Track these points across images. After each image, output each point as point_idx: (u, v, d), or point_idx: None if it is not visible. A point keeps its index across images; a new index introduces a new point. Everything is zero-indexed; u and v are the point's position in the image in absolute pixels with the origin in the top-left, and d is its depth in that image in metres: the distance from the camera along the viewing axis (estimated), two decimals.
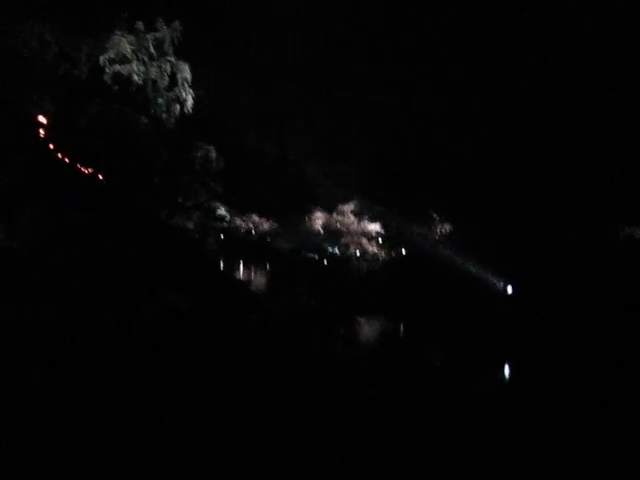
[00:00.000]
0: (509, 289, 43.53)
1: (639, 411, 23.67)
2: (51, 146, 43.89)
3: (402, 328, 43.84)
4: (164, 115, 45.83)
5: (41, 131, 44.05)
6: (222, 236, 53.39)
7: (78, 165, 44.38)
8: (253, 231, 59.21)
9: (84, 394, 17.52)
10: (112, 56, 44.17)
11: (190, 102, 46.09)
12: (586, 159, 45.73)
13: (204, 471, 15.41)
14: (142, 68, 44.86)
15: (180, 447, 16.20)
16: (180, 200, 47.50)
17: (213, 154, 47.84)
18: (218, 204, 50.35)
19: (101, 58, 44.31)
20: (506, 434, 21.23)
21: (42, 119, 44.04)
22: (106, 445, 15.33)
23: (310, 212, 56.70)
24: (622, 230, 43.69)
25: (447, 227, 51.67)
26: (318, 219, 55.89)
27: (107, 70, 44.19)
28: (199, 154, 47.64)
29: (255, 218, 58.75)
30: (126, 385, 18.62)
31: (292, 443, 17.72)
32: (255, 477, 15.57)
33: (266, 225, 59.00)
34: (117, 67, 44.14)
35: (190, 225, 47.74)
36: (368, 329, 42.43)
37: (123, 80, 44.27)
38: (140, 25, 45.38)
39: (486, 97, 52.08)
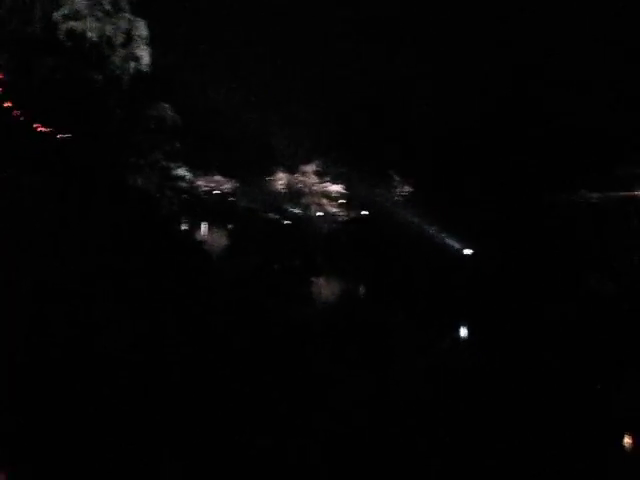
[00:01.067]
0: (466, 251, 44.79)
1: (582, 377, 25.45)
2: (4, 104, 43.68)
3: (360, 289, 45.60)
4: (118, 72, 45.78)
5: None
6: (183, 196, 53.44)
7: (32, 124, 44.05)
8: (215, 191, 60.00)
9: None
10: (66, 12, 44.12)
11: (146, 60, 45.98)
12: (548, 127, 46.56)
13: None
14: (97, 24, 44.72)
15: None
16: (134, 159, 47.36)
17: (169, 112, 47.82)
18: (177, 164, 50.68)
19: (55, 14, 44.20)
20: (461, 396, 22.55)
21: None
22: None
23: (273, 172, 57.50)
24: (580, 195, 44.82)
25: (407, 189, 52.53)
26: (280, 179, 56.80)
27: (60, 26, 44.15)
28: (154, 112, 47.61)
29: (217, 178, 58.83)
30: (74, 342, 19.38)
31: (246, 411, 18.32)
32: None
33: (228, 185, 59.06)
34: (71, 23, 44.08)
35: (146, 185, 47.63)
36: (326, 290, 43.33)
37: (77, 37, 44.21)
38: None
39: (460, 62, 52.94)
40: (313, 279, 42.65)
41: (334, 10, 55.69)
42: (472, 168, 48.11)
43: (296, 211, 55.66)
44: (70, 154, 41.53)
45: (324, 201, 54.50)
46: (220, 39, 51.22)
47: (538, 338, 30.28)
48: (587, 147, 44.49)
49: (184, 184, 52.67)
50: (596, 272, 39.05)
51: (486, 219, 44.50)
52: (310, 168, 55.73)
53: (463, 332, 35.71)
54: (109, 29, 45.40)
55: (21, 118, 43.53)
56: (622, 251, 40.15)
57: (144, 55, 46.20)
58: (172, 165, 50.31)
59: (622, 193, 43.14)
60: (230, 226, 54.79)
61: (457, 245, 45.57)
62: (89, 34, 44.53)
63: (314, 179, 55.46)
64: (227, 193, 59.01)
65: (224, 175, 58.10)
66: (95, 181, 38.94)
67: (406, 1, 54.14)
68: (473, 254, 44.82)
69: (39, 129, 44.20)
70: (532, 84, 49.00)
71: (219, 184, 58.58)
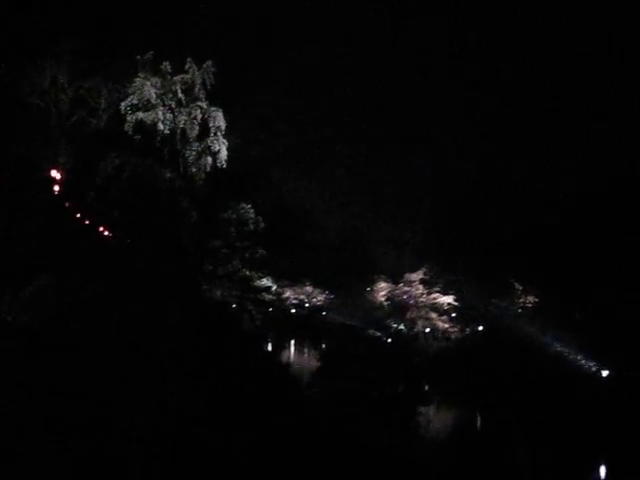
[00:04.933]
0: (604, 372, 43.28)
1: None
2: (66, 204, 45.91)
3: (478, 419, 44.87)
4: (193, 169, 47.28)
5: (55, 188, 46.27)
6: (269, 310, 53.99)
7: (96, 226, 46.00)
8: (306, 304, 61.67)
9: None
10: (134, 102, 45.89)
11: (224, 154, 47.05)
12: None
13: None
14: (169, 115, 46.46)
15: None
16: (211, 267, 48.35)
17: (251, 214, 48.56)
18: (260, 273, 51.01)
19: (122, 104, 46.11)
20: None
21: (56, 174, 46.39)
22: None
23: (372, 281, 58.43)
24: None
25: (531, 298, 52.43)
26: (381, 290, 57.68)
27: (129, 118, 45.79)
28: (234, 215, 48.45)
29: (308, 289, 61.45)
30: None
31: None
32: None
33: (321, 297, 61.80)
34: (140, 114, 45.72)
35: (225, 297, 48.56)
36: (438, 421, 42.73)
37: (146, 129, 45.93)
38: (167, 66, 47.00)
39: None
40: (421, 409, 40.09)
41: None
42: (609, 272, 47.73)
43: (400, 327, 55.92)
44: (137, 262, 42.21)
45: (433, 315, 54.81)
46: (304, 128, 52.69)
47: None
48: None
49: (269, 296, 53.24)
50: None
51: (629, 335, 43.32)
52: (416, 276, 56.25)
53: (602, 473, 34.60)
54: (182, 120, 47.13)
55: (83, 221, 45.46)
56: None
57: (222, 149, 47.41)
58: (255, 275, 50.81)
59: None
60: (322, 345, 54.82)
61: (593, 366, 44.64)
62: (160, 126, 46.15)
63: (421, 289, 55.99)
64: (319, 307, 61.20)
65: (315, 286, 60.36)
66: (166, 293, 39.18)
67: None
68: (612, 376, 43.36)
69: (103, 233, 46.08)
70: None
71: (310, 296, 61.01)
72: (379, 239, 56.95)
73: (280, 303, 57.15)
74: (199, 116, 47.72)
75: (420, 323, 55.18)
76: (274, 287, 54.10)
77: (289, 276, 57.53)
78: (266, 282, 52.60)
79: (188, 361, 31.33)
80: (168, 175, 46.87)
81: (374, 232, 56.72)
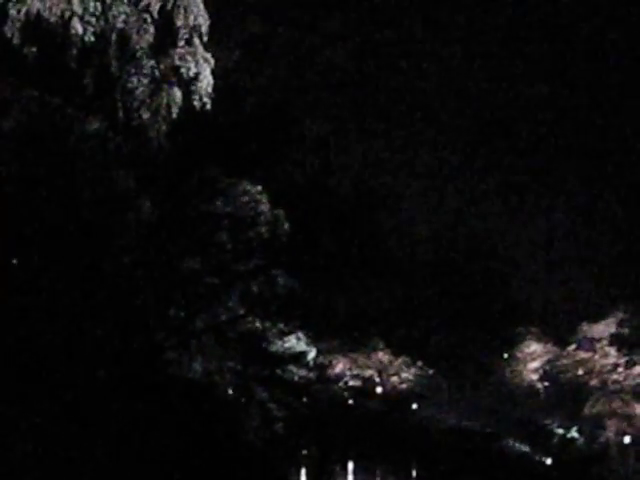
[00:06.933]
0: None
1: None
2: None
3: None
4: (145, 115, 40.72)
5: None
6: (301, 401, 47.09)
7: None
8: (377, 387, 53.77)
9: None
10: None
11: (207, 82, 40.69)
12: None
13: None
14: (94, 4, 39.58)
15: None
16: (182, 314, 40.50)
17: (263, 205, 41.86)
18: (283, 324, 43.17)
19: None
20: None
21: None
22: None
23: (515, 341, 51.45)
24: None
25: None
26: (533, 358, 50.34)
27: (12, 12, 39.65)
28: (229, 207, 41.21)
29: (380, 356, 53.12)
30: None
31: None
32: None
33: (409, 373, 53.37)
34: (35, 3, 39.25)
35: (212, 375, 40.82)
36: None
37: (49, 34, 39.19)
38: None
39: None
40: None
41: None
42: None
43: (571, 434, 46.86)
44: (33, 302, 34.12)
45: (638, 409, 45.72)
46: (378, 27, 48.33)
47: None
48: None
49: (301, 372, 45.49)
50: None
51: None
52: (603, 330, 47.49)
53: None
54: (122, 13, 40.13)
55: None
56: None
57: (203, 72, 40.49)
58: (272, 328, 42.53)
59: None
60: (412, 473, 47.36)
61: None
62: (76, 27, 39.10)
63: (613, 356, 47.49)
64: (404, 393, 53.27)
65: (397, 350, 53.11)
66: (90, 363, 33.19)
67: None
68: None
69: None
70: None
71: (386, 372, 53.45)
72: (524, 253, 49.65)
73: (324, 385, 49.36)
74: (156, 6, 40.72)
75: (612, 425, 45.21)
76: (311, 353, 47.58)
77: (342, 331, 48.90)
78: (295, 343, 45.68)
79: None
80: (95, 126, 39.31)
81: (513, 239, 49.85)
